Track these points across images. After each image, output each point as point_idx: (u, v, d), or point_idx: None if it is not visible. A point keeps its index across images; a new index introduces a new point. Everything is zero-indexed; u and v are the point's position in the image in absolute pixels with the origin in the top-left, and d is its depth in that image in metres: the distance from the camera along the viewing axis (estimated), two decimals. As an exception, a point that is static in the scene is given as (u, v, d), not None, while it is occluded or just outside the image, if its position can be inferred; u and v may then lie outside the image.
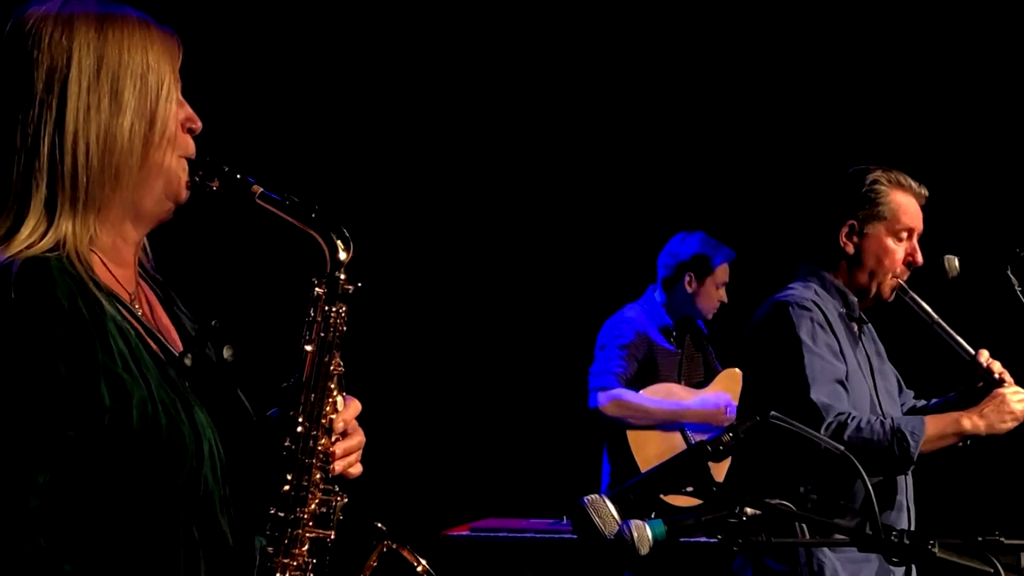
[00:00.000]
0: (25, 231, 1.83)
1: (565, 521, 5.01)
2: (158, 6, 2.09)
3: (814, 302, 3.55)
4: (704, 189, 6.36)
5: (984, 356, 3.62)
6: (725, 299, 5.57)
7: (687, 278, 5.47)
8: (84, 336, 1.79)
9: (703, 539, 4.66)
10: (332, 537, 1.95)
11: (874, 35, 6.17)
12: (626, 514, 2.16)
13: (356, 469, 2.00)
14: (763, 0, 6.27)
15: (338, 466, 1.97)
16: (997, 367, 3.60)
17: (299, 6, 5.93)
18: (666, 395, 5.43)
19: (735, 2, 6.30)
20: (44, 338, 1.77)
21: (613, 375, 5.31)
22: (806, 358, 3.45)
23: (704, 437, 5.33)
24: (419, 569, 2.06)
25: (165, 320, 2.01)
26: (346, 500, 1.97)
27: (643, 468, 5.28)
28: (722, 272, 5.53)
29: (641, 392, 5.37)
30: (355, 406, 2.01)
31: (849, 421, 3.39)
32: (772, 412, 2.24)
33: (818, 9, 6.20)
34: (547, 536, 4.96)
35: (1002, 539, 2.20)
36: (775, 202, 5.81)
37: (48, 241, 1.84)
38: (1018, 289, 3.73)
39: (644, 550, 2.17)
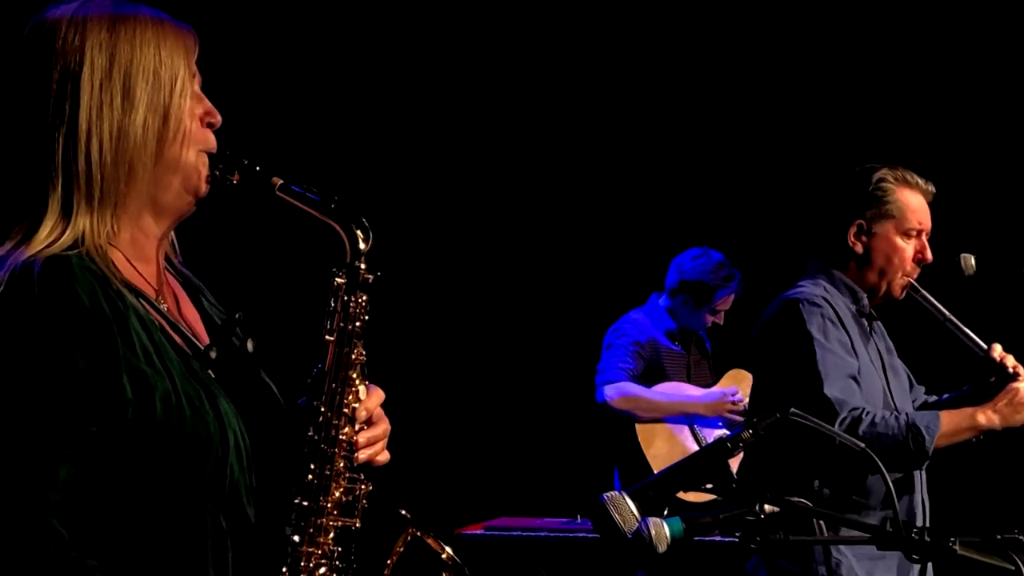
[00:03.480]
0: (44, 231, 1.85)
1: (579, 520, 5.02)
2: (177, 4, 2.10)
3: (824, 298, 3.55)
4: (712, 191, 6.37)
5: (997, 350, 3.61)
6: (720, 322, 5.57)
7: (681, 296, 5.47)
8: (105, 331, 1.80)
9: (718, 538, 4.66)
10: (357, 525, 1.96)
11: (889, 34, 6.17)
12: (646, 511, 2.16)
13: (383, 457, 2.01)
14: (773, 1, 6.27)
15: (362, 455, 1.97)
16: (1011, 361, 3.59)
17: (323, 7, 5.95)
18: (676, 392, 5.44)
19: (745, 4, 6.29)
20: (64, 334, 1.78)
21: (619, 369, 5.32)
22: (818, 354, 3.45)
23: (712, 431, 5.40)
24: (444, 556, 2.06)
25: (192, 314, 2.02)
26: (370, 488, 1.98)
27: (652, 462, 5.29)
28: (722, 303, 5.52)
29: (653, 388, 5.37)
30: (378, 394, 2.02)
31: (864, 416, 3.38)
32: (792, 409, 2.23)
33: (829, 9, 6.19)
34: (561, 535, 4.96)
35: (1022, 537, 2.19)
36: (783, 203, 5.81)
37: (67, 239, 1.85)
38: (1035, 288, 3.72)
39: (662, 548, 2.16)
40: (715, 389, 5.50)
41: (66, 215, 1.86)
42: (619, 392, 5.29)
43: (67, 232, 1.85)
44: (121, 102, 1.88)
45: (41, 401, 1.76)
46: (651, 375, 5.43)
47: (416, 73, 6.20)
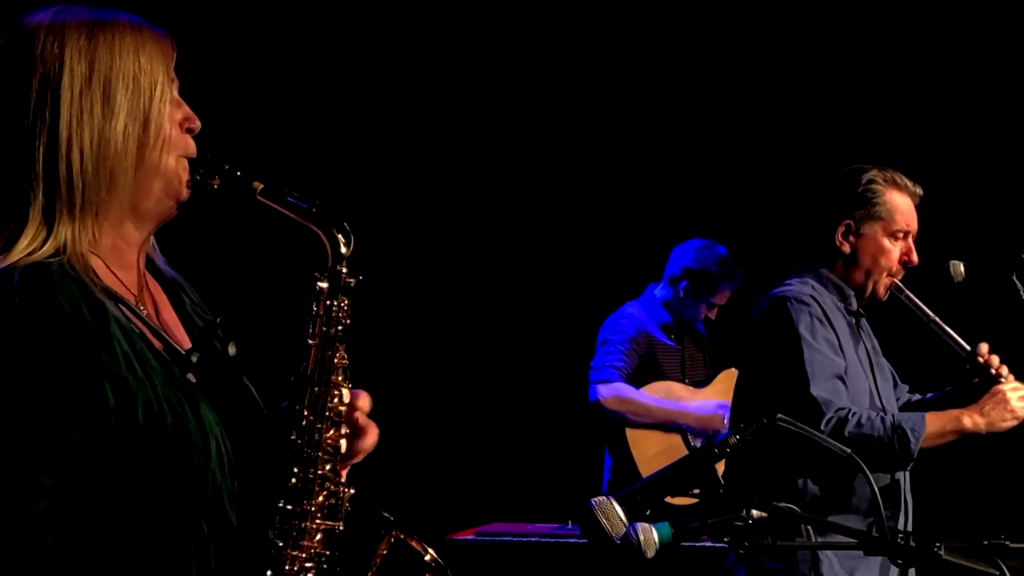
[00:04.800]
0: (24, 240, 1.85)
1: (570, 525, 5.02)
2: (157, 5, 2.10)
3: (812, 297, 3.57)
4: (703, 187, 6.38)
5: (982, 351, 3.62)
6: (712, 317, 5.60)
7: (683, 284, 5.50)
8: (87, 339, 1.81)
9: (707, 543, 4.66)
10: (341, 528, 1.96)
11: (880, 37, 6.18)
12: (633, 516, 2.17)
13: (372, 436, 2.01)
14: (766, 2, 6.28)
15: (346, 456, 1.98)
16: (995, 362, 3.61)
17: (299, 2, 5.95)
18: (666, 394, 5.46)
19: (740, 5, 6.31)
20: (46, 343, 1.79)
21: (614, 368, 5.34)
22: (806, 353, 3.46)
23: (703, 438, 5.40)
24: (427, 559, 2.06)
25: (172, 319, 2.02)
26: (354, 491, 1.98)
27: (641, 466, 5.30)
28: (720, 297, 5.57)
29: (642, 389, 5.39)
30: (362, 397, 2.02)
31: (849, 417, 3.39)
32: (779, 415, 2.25)
33: (820, 9, 6.21)
34: (552, 540, 4.96)
35: (1007, 543, 2.21)
36: (772, 201, 5.82)
37: (48, 248, 1.86)
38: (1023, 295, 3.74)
39: (650, 553, 2.18)
40: (708, 402, 5.50)
41: (47, 224, 1.86)
42: (613, 393, 5.31)
43: (48, 241, 1.85)
44: (101, 109, 1.88)
45: (23, 410, 1.77)
46: (645, 369, 5.45)
47: (397, 70, 6.20)
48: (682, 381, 5.58)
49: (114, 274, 1.92)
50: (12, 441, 1.76)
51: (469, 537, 5.01)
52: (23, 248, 1.84)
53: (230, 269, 5.38)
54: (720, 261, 5.51)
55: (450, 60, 6.27)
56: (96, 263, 1.90)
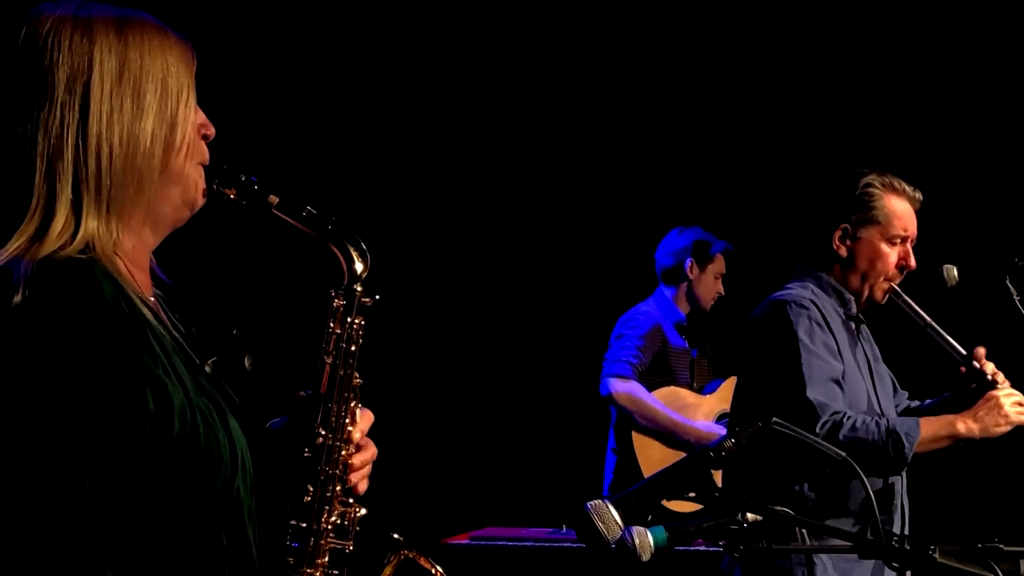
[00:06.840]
0: (54, 232, 1.80)
1: (564, 530, 5.03)
2: (166, 9, 2.10)
3: (812, 301, 3.57)
4: (705, 190, 6.40)
5: (979, 356, 3.63)
6: (722, 291, 5.65)
7: (688, 262, 5.56)
8: (130, 339, 1.77)
9: (701, 547, 4.67)
10: (350, 547, 1.96)
11: (876, 39, 6.20)
12: (629, 520, 2.17)
13: (363, 484, 2.01)
14: (765, 6, 6.30)
15: (354, 477, 1.97)
16: (990, 368, 3.62)
17: (318, 18, 5.95)
18: (673, 400, 5.47)
19: (734, 3, 6.32)
20: (94, 339, 1.73)
21: (628, 364, 5.38)
22: (803, 356, 3.47)
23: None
24: (435, 574, 2.06)
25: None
26: (364, 511, 1.98)
27: (645, 471, 5.31)
28: (720, 262, 5.64)
29: (653, 394, 5.41)
30: (369, 418, 2.02)
31: (844, 420, 3.40)
32: (774, 418, 2.25)
33: (817, 11, 6.22)
34: (546, 544, 4.96)
35: (1001, 546, 2.22)
36: (773, 204, 5.84)
37: (78, 243, 1.81)
38: (1017, 299, 3.74)
39: (646, 556, 2.18)
40: (715, 425, 5.51)
41: (76, 218, 1.82)
42: (626, 390, 5.34)
43: (78, 235, 1.81)
44: (131, 108, 1.85)
45: (71, 407, 1.71)
46: (656, 368, 5.48)
47: (408, 92, 6.21)
48: (690, 384, 5.61)
49: (133, 278, 1.89)
50: (59, 439, 1.71)
51: (463, 541, 5.01)
52: (54, 240, 1.79)
53: (244, 282, 5.37)
54: (702, 232, 5.64)
55: (456, 82, 6.29)
56: (119, 265, 1.86)
